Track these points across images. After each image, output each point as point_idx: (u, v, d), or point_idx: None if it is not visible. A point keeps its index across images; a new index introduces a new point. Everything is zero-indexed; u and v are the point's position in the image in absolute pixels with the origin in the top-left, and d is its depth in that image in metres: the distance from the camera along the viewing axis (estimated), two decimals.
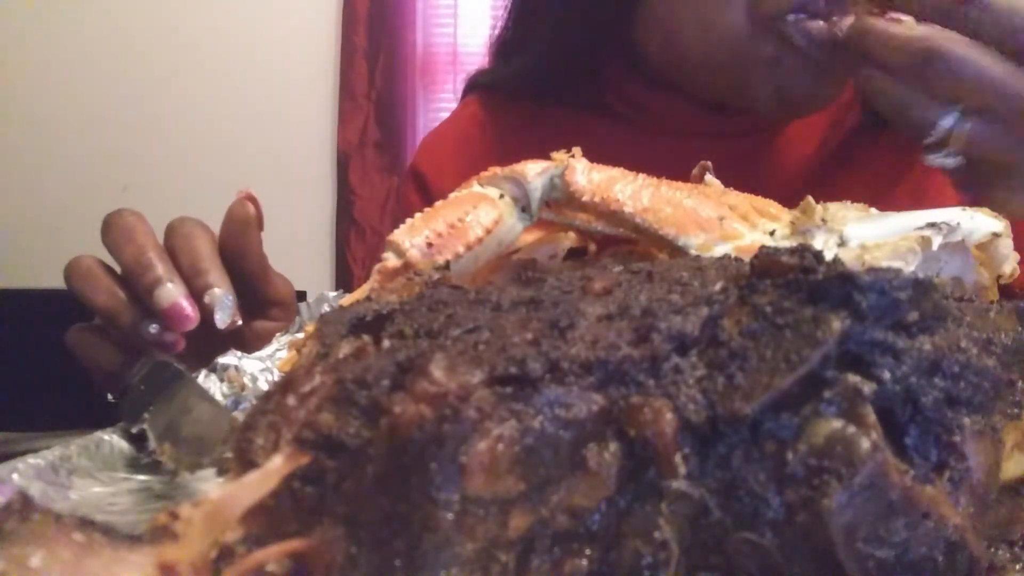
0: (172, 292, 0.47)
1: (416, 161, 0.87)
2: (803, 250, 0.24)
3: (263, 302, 0.58)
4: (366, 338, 0.25)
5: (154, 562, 0.18)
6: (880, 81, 0.49)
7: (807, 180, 0.73)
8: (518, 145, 0.73)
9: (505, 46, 0.83)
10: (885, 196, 0.68)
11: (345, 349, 0.25)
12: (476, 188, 0.44)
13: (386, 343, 0.24)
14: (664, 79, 0.74)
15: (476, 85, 0.88)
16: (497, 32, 0.84)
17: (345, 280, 2.32)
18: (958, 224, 0.40)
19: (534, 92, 0.81)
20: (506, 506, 0.20)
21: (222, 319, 0.47)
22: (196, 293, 0.48)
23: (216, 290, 0.48)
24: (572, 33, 0.76)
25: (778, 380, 0.21)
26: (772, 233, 0.41)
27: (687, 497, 0.21)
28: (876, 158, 0.73)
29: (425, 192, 0.83)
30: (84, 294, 0.53)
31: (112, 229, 0.53)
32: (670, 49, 0.69)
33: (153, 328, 0.48)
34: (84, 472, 0.39)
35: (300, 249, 2.41)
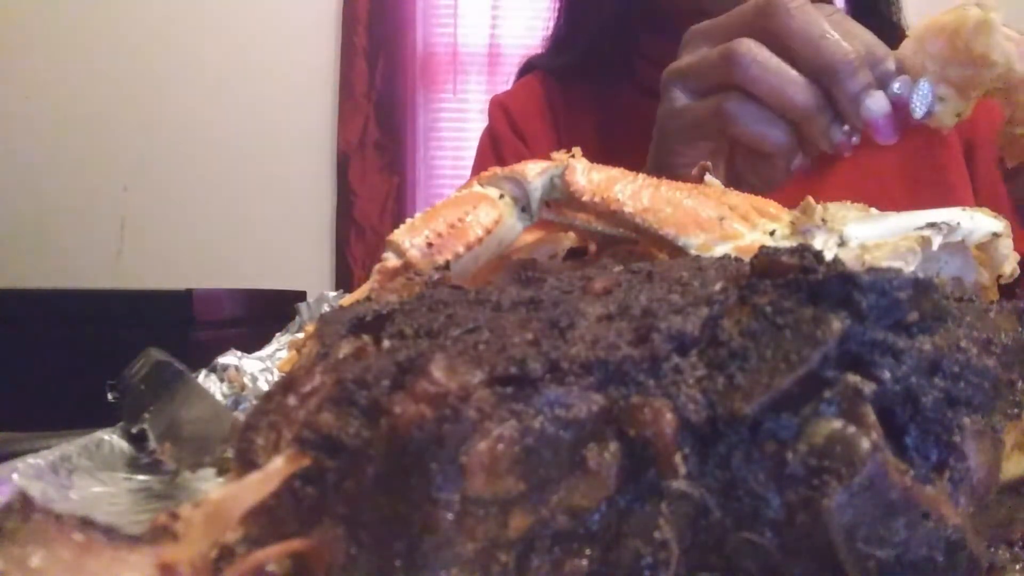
0: (882, 102, 0.48)
1: (495, 124, 0.95)
2: (803, 250, 0.24)
3: None
4: (366, 338, 0.25)
5: (154, 562, 0.18)
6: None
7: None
8: (573, 123, 0.82)
9: (558, 40, 0.94)
10: (903, 151, 0.71)
11: (345, 349, 0.25)
12: (476, 188, 0.44)
13: (386, 343, 0.24)
14: (680, 27, 0.80)
15: (532, 67, 0.98)
16: (550, 29, 0.96)
17: (345, 280, 2.32)
18: (958, 224, 0.40)
19: (589, 78, 0.90)
20: (506, 506, 0.20)
21: (919, 108, 0.47)
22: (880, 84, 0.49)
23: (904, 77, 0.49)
24: (615, 16, 0.86)
25: (778, 380, 0.21)
26: (772, 233, 0.41)
27: (687, 497, 0.21)
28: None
29: (498, 154, 0.90)
30: (774, 87, 0.51)
31: (797, 21, 0.52)
32: None
33: (844, 134, 0.49)
34: (84, 472, 0.39)
35: (300, 249, 2.41)
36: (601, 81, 0.90)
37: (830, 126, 0.52)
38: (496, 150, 0.92)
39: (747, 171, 0.57)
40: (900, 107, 0.50)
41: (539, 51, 1.00)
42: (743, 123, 0.53)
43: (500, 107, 0.95)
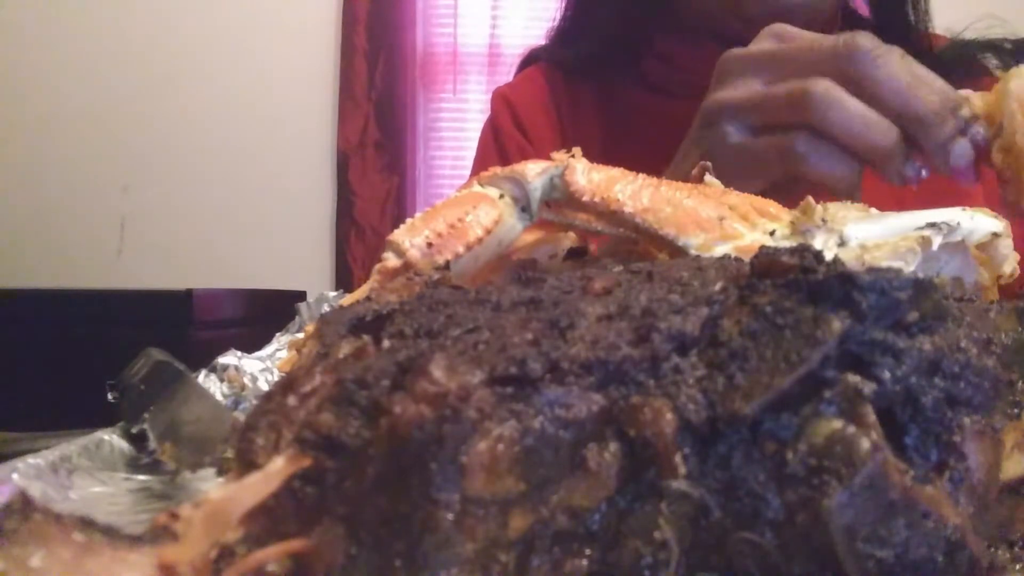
0: (968, 150, 0.49)
1: (497, 118, 0.93)
2: (803, 250, 0.24)
3: None
4: (366, 338, 0.25)
5: (154, 562, 0.18)
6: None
7: None
8: (577, 118, 0.81)
9: (565, 33, 0.92)
10: None
11: (345, 349, 0.25)
12: (476, 188, 0.44)
13: (386, 343, 0.24)
14: (699, 27, 0.81)
15: (535, 59, 0.96)
16: (557, 21, 0.93)
17: (345, 280, 2.32)
18: (958, 224, 0.40)
19: (597, 73, 0.89)
20: (506, 506, 0.20)
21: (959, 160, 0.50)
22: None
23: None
24: (628, 12, 0.83)
25: (778, 380, 0.21)
26: (772, 233, 0.41)
27: (687, 497, 0.21)
28: None
29: (500, 148, 0.89)
30: (855, 132, 0.52)
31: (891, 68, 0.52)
32: None
33: (915, 170, 0.51)
34: (84, 472, 0.39)
35: (300, 249, 2.41)
36: (607, 76, 0.88)
37: (905, 164, 0.52)
38: (498, 143, 0.91)
39: None
40: (979, 151, 0.51)
41: (543, 43, 0.98)
42: (815, 163, 0.53)
43: (503, 99, 0.93)
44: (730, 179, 0.56)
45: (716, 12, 0.79)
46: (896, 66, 0.51)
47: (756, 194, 0.46)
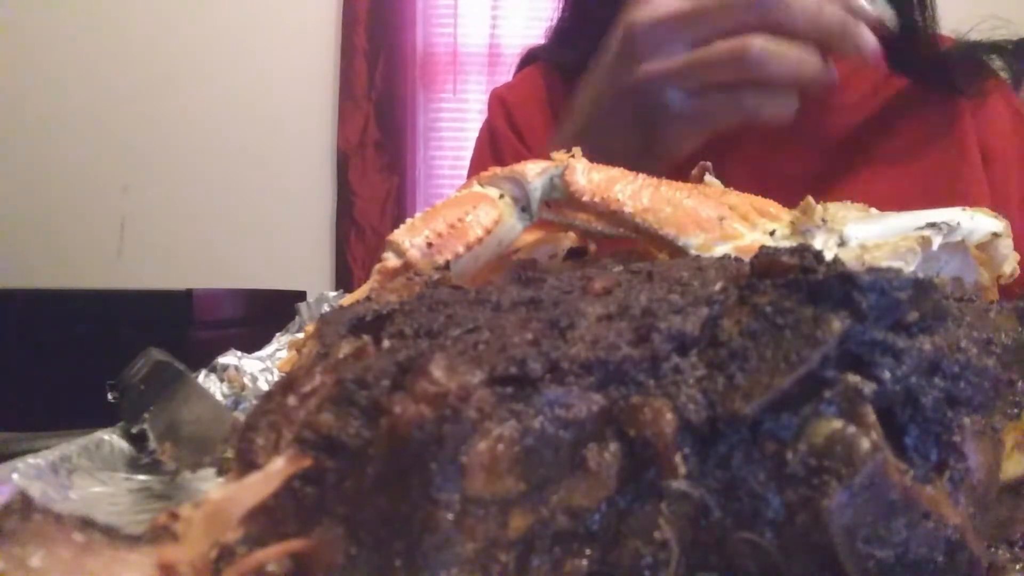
0: (871, 37, 0.56)
1: (493, 120, 0.93)
2: (803, 250, 0.24)
3: None
4: (366, 338, 0.25)
5: (154, 562, 0.18)
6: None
7: (842, 143, 0.78)
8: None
9: (563, 33, 0.91)
10: (922, 159, 0.75)
11: (345, 349, 0.25)
12: (476, 188, 0.44)
13: (386, 343, 0.24)
14: None
15: (533, 59, 0.95)
16: (555, 20, 0.92)
17: (345, 280, 2.32)
18: (958, 224, 0.40)
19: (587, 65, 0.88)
20: (506, 506, 0.20)
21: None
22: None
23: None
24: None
25: (778, 380, 0.21)
26: (772, 233, 0.41)
27: (687, 497, 0.21)
28: (915, 123, 0.78)
29: (497, 150, 0.88)
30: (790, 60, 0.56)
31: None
32: None
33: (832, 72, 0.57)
34: (84, 472, 0.39)
35: (300, 249, 2.41)
36: None
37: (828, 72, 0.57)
38: (493, 145, 0.91)
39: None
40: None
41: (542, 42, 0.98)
42: (764, 110, 0.57)
43: (499, 101, 0.93)
44: (676, 141, 0.60)
45: None
46: (797, 4, 0.56)
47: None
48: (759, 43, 0.54)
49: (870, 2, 0.59)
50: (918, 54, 0.56)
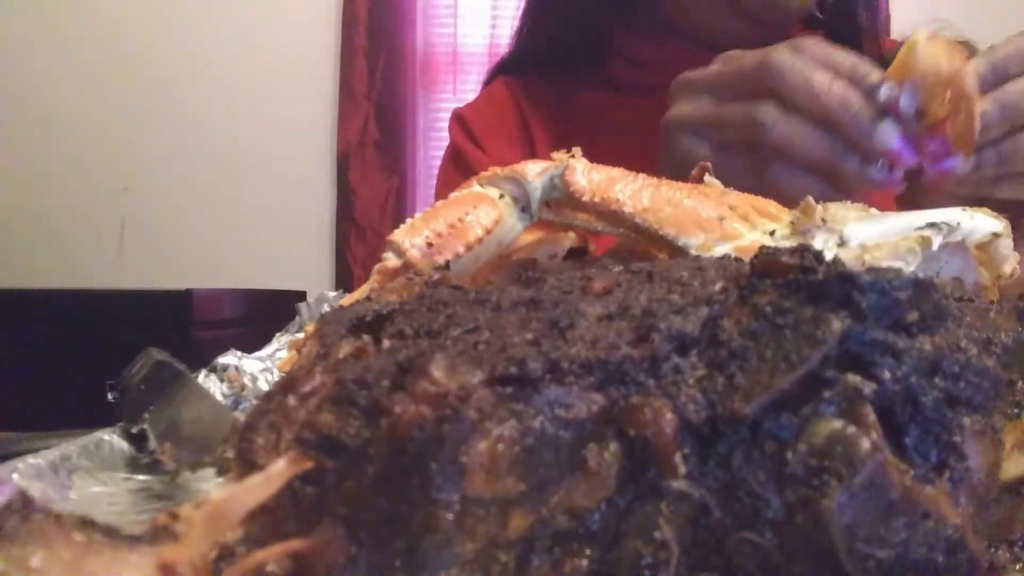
0: (891, 129, 0.51)
1: (454, 138, 0.94)
2: (803, 250, 0.24)
3: None
4: (366, 338, 0.25)
5: (154, 562, 0.18)
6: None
7: None
8: (540, 123, 0.81)
9: (522, 32, 0.93)
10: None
11: (345, 349, 0.25)
12: (476, 188, 0.44)
13: (386, 343, 0.24)
14: (665, 26, 0.83)
15: (500, 70, 0.98)
16: (517, 22, 0.94)
17: (345, 280, 2.32)
18: (958, 224, 0.40)
19: (553, 69, 0.90)
20: (506, 506, 0.20)
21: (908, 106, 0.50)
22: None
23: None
24: (588, 13, 0.83)
25: (778, 380, 0.21)
26: (772, 233, 0.41)
27: (687, 497, 0.21)
28: None
29: (462, 165, 0.89)
30: (803, 144, 0.54)
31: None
32: None
33: (881, 170, 0.52)
34: (84, 472, 0.39)
35: (300, 249, 2.41)
36: (568, 79, 0.89)
37: (862, 167, 0.53)
38: (456, 161, 0.91)
39: None
40: (906, 122, 0.52)
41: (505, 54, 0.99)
42: (784, 181, 0.55)
43: (457, 120, 0.94)
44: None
45: (708, 10, 0.80)
46: (800, 76, 0.53)
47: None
48: (767, 110, 0.54)
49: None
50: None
